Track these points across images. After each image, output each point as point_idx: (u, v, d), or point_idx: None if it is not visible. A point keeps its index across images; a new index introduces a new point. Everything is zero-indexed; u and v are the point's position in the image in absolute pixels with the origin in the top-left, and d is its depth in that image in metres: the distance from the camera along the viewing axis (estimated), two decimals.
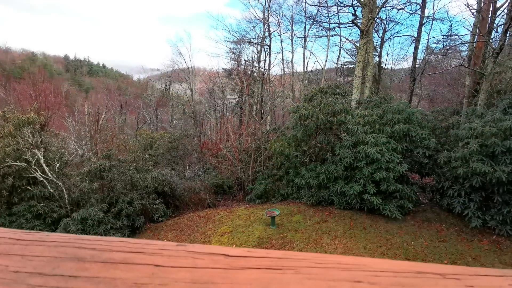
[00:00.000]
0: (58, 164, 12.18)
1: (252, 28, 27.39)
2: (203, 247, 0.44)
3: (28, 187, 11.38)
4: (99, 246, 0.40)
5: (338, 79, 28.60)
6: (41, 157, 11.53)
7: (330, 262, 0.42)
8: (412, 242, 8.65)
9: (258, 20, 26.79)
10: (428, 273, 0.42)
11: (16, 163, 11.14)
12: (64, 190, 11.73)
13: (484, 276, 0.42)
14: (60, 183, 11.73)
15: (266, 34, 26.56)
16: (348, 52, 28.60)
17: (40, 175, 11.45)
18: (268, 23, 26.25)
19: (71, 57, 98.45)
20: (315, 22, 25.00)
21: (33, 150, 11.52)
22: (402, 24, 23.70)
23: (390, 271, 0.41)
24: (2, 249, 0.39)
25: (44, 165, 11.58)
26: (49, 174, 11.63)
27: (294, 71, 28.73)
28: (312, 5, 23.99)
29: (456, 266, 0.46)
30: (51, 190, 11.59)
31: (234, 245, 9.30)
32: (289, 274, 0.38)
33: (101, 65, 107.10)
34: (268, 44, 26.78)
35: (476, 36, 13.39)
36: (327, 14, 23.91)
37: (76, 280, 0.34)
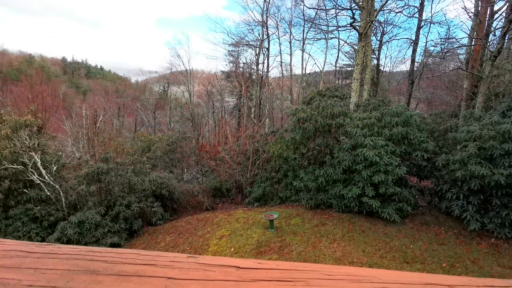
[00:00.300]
0: (55, 167, 12.10)
1: (250, 30, 27.42)
2: (214, 259, 0.44)
3: (25, 190, 11.29)
4: (110, 258, 0.40)
5: (337, 82, 28.68)
6: (38, 160, 11.45)
7: (340, 274, 0.42)
8: (411, 245, 8.63)
9: (257, 23, 26.89)
10: (436, 284, 0.41)
11: (13, 166, 11.05)
12: (61, 193, 11.65)
13: (491, 287, 0.41)
14: (57, 186, 11.65)
15: (265, 36, 26.65)
16: (347, 55, 28.73)
17: (37, 178, 11.37)
18: (267, 26, 26.34)
19: (69, 59, 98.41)
20: (313, 25, 25.09)
21: (30, 152, 11.44)
22: (400, 27, 23.80)
23: (399, 283, 0.41)
24: (14, 263, 0.39)
25: (41, 168, 11.50)
26: (46, 177, 11.54)
27: (293, 73, 28.80)
28: (310, 8, 24.11)
29: (463, 278, 0.45)
30: (48, 193, 11.50)
31: (232, 248, 9.24)
32: (299, 286, 0.38)
33: (98, 67, 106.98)
34: (267, 47, 26.85)
35: (473, 39, 13.46)
36: (325, 17, 24.02)
37: None
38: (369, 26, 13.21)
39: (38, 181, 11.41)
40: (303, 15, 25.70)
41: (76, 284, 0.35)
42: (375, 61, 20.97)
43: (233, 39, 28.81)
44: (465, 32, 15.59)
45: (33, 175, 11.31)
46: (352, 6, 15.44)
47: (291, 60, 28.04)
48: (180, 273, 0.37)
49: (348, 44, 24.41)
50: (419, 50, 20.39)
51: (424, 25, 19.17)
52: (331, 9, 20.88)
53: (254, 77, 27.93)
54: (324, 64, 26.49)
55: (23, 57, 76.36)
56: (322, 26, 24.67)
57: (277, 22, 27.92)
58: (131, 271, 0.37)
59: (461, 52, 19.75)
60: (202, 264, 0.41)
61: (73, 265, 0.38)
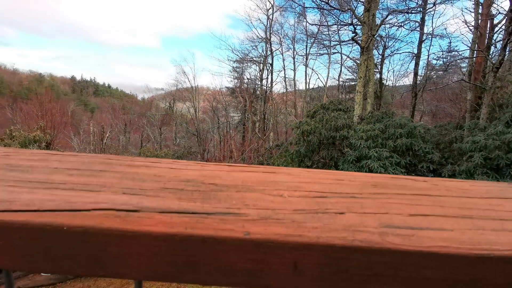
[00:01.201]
0: None
1: (254, 47, 27.94)
2: (210, 163, 0.52)
3: None
4: (122, 159, 0.49)
5: (340, 96, 28.86)
6: None
7: (318, 171, 0.50)
8: None
9: (260, 40, 27.43)
10: (401, 178, 0.49)
11: None
12: None
13: (449, 181, 0.48)
14: None
15: (268, 52, 27.12)
16: (349, 70, 29.02)
17: None
18: (270, 42, 26.85)
19: (78, 78, 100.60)
20: (316, 40, 25.54)
21: None
22: (402, 41, 24.11)
23: (369, 177, 0.48)
24: (41, 158, 0.47)
25: None
26: None
27: (297, 88, 29.12)
28: (312, 24, 24.57)
29: (427, 178, 0.52)
30: None
31: None
32: (282, 175, 0.45)
33: (106, 85, 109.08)
34: (270, 63, 27.29)
35: (475, 51, 13.59)
36: (327, 33, 24.45)
37: (106, 172, 0.42)
38: (371, 40, 13.44)
39: None
40: (306, 31, 26.22)
41: (95, 167, 0.43)
42: (377, 75, 21.17)
43: (237, 55, 29.35)
44: (466, 45, 15.78)
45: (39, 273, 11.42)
46: (354, 21, 15.76)
47: (294, 75, 28.34)
48: (181, 166, 0.45)
49: (350, 58, 24.74)
50: (422, 63, 20.58)
51: (426, 38, 19.41)
52: (333, 25, 21.29)
53: (258, 92, 28.28)
54: (327, 78, 26.81)
55: (33, 76, 78.24)
56: (324, 41, 25.11)
57: (280, 38, 28.40)
58: (140, 164, 0.45)
59: (464, 65, 19.90)
60: (199, 163, 0.49)
61: (92, 160, 0.46)
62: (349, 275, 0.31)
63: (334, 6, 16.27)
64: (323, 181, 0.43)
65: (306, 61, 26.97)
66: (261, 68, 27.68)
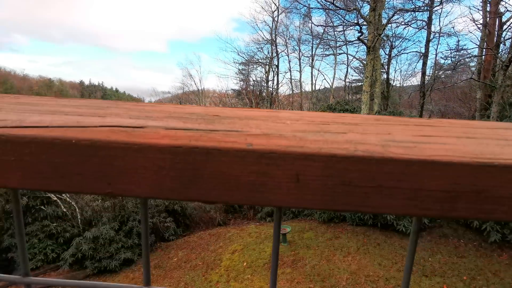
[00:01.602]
0: None
1: (260, 49, 28.05)
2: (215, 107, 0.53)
3: (42, 207, 11.56)
4: (129, 102, 0.49)
5: (347, 97, 28.74)
6: None
7: (320, 113, 0.50)
8: (430, 259, 8.35)
9: (266, 41, 27.52)
10: (405, 117, 0.47)
11: None
12: (77, 210, 11.86)
13: (454, 120, 0.46)
14: (73, 203, 11.89)
15: (274, 54, 27.19)
16: (356, 70, 28.90)
17: (54, 195, 11.65)
18: (276, 44, 26.93)
19: (86, 82, 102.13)
20: (322, 41, 25.52)
21: None
22: (409, 40, 23.90)
23: (371, 115, 0.48)
24: (49, 99, 0.48)
25: None
26: (62, 194, 11.82)
27: (303, 89, 29.10)
28: (318, 25, 24.56)
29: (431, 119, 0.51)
30: (64, 210, 11.73)
31: (245, 263, 9.13)
32: (284, 113, 0.46)
33: (114, 89, 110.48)
34: (276, 64, 27.35)
35: (484, 50, 13.43)
36: (333, 33, 24.42)
37: (113, 108, 0.43)
38: (377, 39, 13.38)
39: (55, 198, 11.68)
40: (311, 32, 26.23)
41: (103, 105, 0.44)
42: (384, 75, 21.04)
43: (243, 57, 29.48)
44: (475, 43, 15.59)
45: (50, 192, 11.60)
46: (360, 21, 15.71)
47: (300, 76, 28.34)
48: (185, 106, 0.46)
49: (356, 58, 24.65)
50: (429, 63, 20.40)
51: (433, 37, 19.25)
52: (339, 25, 21.25)
53: (264, 94, 28.33)
54: (333, 79, 26.77)
55: (43, 82, 79.58)
56: (330, 42, 25.08)
57: (286, 40, 28.41)
58: (146, 105, 0.46)
59: (472, 64, 19.66)
60: (203, 105, 0.49)
61: (100, 101, 0.48)
62: (352, 188, 0.31)
63: (339, 6, 16.25)
64: (326, 116, 0.44)
65: (312, 62, 26.99)
66: (267, 69, 27.77)
